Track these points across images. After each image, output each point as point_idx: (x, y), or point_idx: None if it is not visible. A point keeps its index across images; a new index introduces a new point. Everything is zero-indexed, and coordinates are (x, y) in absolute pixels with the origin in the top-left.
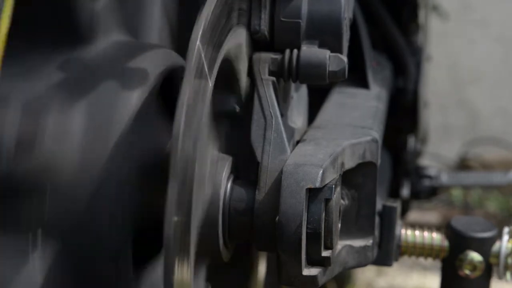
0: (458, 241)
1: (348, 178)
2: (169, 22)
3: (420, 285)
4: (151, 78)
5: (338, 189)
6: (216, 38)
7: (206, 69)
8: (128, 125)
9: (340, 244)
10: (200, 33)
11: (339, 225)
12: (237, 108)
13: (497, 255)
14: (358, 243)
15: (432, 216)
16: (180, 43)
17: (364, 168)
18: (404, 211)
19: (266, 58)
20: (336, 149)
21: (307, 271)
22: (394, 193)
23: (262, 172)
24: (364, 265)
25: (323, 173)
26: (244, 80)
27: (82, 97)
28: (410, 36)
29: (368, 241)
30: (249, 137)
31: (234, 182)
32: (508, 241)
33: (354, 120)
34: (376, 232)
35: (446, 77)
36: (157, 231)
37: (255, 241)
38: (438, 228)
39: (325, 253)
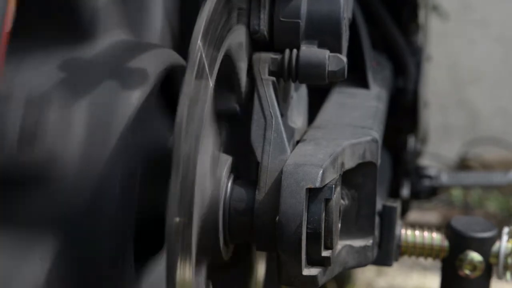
0: (458, 241)
1: (348, 178)
2: (170, 22)
3: (420, 285)
4: (151, 77)
5: (338, 189)
6: (216, 37)
7: (207, 69)
8: (128, 124)
9: (340, 244)
10: (201, 32)
11: (339, 225)
12: (237, 108)
13: (497, 255)
14: (358, 243)
15: (432, 216)
16: (181, 43)
17: (364, 168)
18: (404, 211)
19: (266, 58)
20: (336, 149)
21: (307, 271)
22: (394, 193)
23: (262, 172)
24: (364, 265)
25: (323, 173)
26: (244, 80)
27: (82, 95)
28: (410, 36)
29: (368, 241)
30: (249, 137)
31: (234, 182)
32: (508, 241)
33: (354, 120)
34: (376, 232)
35: (446, 77)
36: (158, 229)
37: (255, 241)
38: (438, 228)
39: (325, 253)
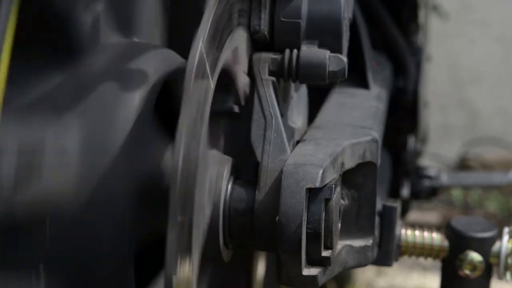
0: (458, 241)
1: (348, 178)
2: (164, 21)
3: (420, 285)
4: (152, 79)
5: (338, 189)
6: (218, 38)
7: (208, 70)
8: (129, 131)
9: (340, 244)
10: (203, 33)
11: (339, 225)
12: (236, 108)
13: (497, 255)
14: (358, 243)
15: (432, 216)
16: (177, 43)
17: (364, 168)
18: (404, 211)
19: (266, 58)
20: (336, 149)
21: (307, 271)
22: (394, 193)
23: (262, 172)
24: (364, 265)
25: (323, 173)
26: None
27: (80, 114)
28: (410, 36)
29: (368, 241)
30: (249, 137)
31: (234, 182)
32: (508, 241)
33: (354, 120)
34: (376, 232)
35: (446, 77)
36: (158, 249)
37: (255, 241)
38: (438, 228)
39: (325, 253)
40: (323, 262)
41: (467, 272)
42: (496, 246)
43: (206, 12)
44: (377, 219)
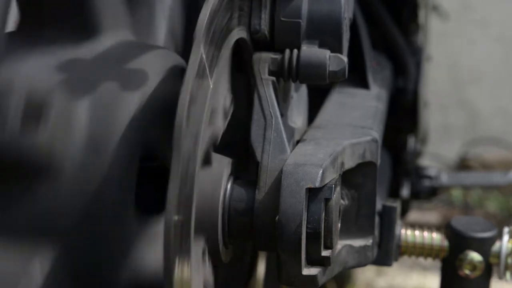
0: (458, 241)
1: (348, 178)
2: (174, 24)
3: (420, 285)
4: (152, 78)
5: (338, 188)
6: (217, 38)
7: (207, 69)
8: (130, 125)
9: (340, 244)
10: (202, 33)
11: (339, 225)
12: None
13: (497, 255)
14: (358, 243)
15: (432, 216)
16: (184, 44)
17: (364, 168)
18: (404, 211)
19: (266, 58)
20: (336, 148)
21: (307, 271)
22: (394, 193)
23: (262, 171)
24: (364, 265)
25: (323, 172)
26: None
27: (84, 93)
28: (410, 36)
29: (368, 241)
30: (249, 136)
31: (234, 182)
32: (508, 241)
33: (354, 120)
34: (376, 232)
35: (446, 77)
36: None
37: (255, 241)
38: (438, 228)
39: (325, 253)
40: (323, 262)
41: (467, 272)
42: (496, 246)
43: (206, 12)
44: (377, 219)
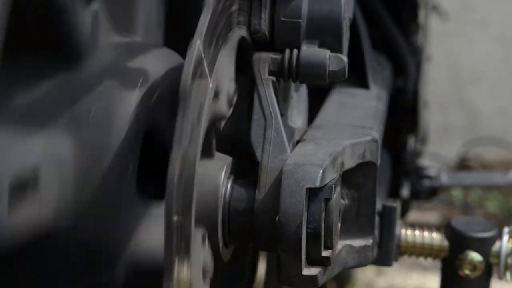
0: (458, 241)
1: (348, 178)
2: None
3: (420, 285)
4: (152, 77)
5: (338, 188)
6: (216, 37)
7: (206, 69)
8: (128, 129)
9: (340, 244)
10: (201, 32)
11: (339, 225)
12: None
13: (497, 255)
14: (358, 243)
15: (432, 216)
16: (174, 42)
17: (364, 168)
18: (404, 211)
19: (266, 58)
20: (336, 148)
21: (307, 271)
22: (394, 193)
23: (262, 171)
24: (364, 265)
25: (323, 172)
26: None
27: (75, 125)
28: (410, 36)
29: (368, 241)
30: (249, 136)
31: (234, 182)
32: (508, 241)
33: (354, 120)
34: (376, 232)
35: (446, 77)
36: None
37: (255, 241)
38: (438, 228)
39: (325, 253)
40: (323, 262)
41: (467, 272)
42: (496, 246)
43: (205, 11)
44: (377, 219)
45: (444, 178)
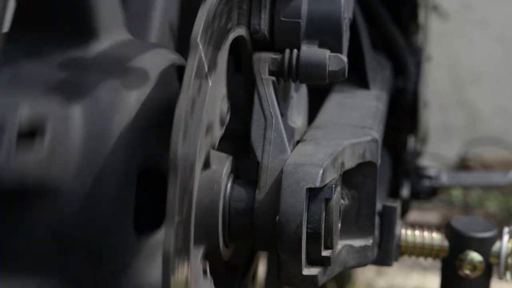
0: (458, 241)
1: (348, 178)
2: (170, 22)
3: (420, 285)
4: (152, 77)
5: (338, 188)
6: (216, 37)
7: (206, 68)
8: (128, 125)
9: (340, 244)
10: (200, 32)
11: (339, 225)
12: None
13: (497, 255)
14: (358, 243)
15: (432, 216)
16: (181, 43)
17: (364, 168)
18: (404, 211)
19: (266, 58)
20: (336, 148)
21: (307, 271)
22: (394, 193)
23: (262, 171)
24: (364, 265)
25: (323, 172)
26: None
27: (81, 96)
28: (410, 36)
29: (368, 241)
30: (249, 136)
31: (234, 182)
32: (508, 241)
33: (354, 120)
34: (376, 232)
35: (446, 77)
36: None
37: (255, 241)
38: (438, 228)
39: (325, 253)
40: (323, 262)
41: (467, 272)
42: (496, 246)
43: (205, 10)
44: (377, 219)
45: (444, 178)
